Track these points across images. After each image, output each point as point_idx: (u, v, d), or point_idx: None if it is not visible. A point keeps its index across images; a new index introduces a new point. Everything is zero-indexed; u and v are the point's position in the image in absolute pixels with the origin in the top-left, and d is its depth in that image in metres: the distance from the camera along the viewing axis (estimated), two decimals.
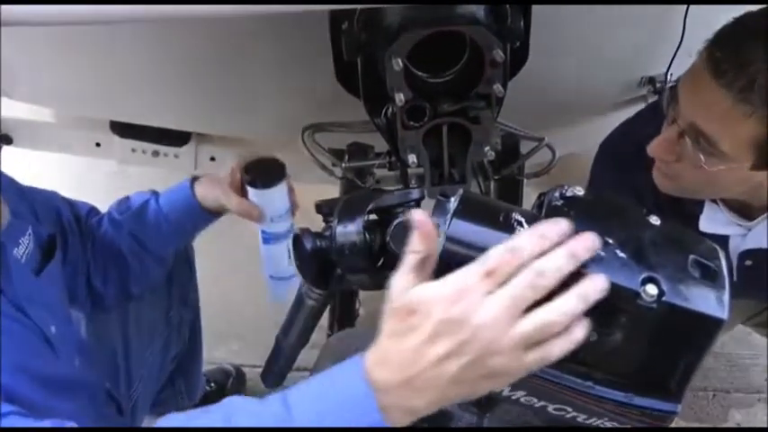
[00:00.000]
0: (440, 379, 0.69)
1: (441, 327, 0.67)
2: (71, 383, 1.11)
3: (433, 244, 0.71)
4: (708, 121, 1.04)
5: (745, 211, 1.22)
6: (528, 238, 0.68)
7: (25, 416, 0.89)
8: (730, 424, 1.91)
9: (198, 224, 1.35)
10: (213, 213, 1.32)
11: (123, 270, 1.33)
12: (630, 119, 1.36)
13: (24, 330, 1.05)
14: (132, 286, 1.36)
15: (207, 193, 1.29)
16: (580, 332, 0.67)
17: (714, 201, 1.23)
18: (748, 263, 1.27)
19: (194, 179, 1.31)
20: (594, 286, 0.67)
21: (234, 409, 0.76)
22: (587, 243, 0.67)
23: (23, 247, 1.10)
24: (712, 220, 1.24)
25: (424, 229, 0.70)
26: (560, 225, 0.68)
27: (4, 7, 0.72)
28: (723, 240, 1.26)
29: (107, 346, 1.39)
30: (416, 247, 0.71)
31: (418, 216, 0.71)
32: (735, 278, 1.29)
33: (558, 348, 0.67)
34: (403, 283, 0.70)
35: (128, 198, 1.35)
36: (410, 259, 0.71)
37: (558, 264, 0.66)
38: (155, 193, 1.33)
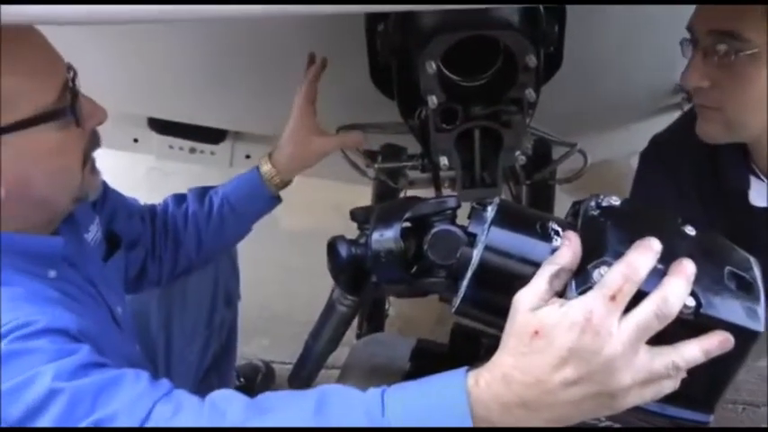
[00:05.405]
0: (559, 402, 0.69)
1: (570, 354, 0.67)
2: (134, 364, 1.13)
3: (575, 259, 0.71)
4: (724, 17, 1.02)
5: None
6: (639, 253, 0.68)
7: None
8: None
9: (261, 210, 1.37)
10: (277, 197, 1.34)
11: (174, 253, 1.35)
12: (681, 117, 1.34)
13: (96, 304, 1.07)
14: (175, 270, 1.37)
15: (283, 160, 1.30)
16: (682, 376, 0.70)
17: (758, 176, 1.20)
18: None
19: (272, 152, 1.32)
20: (721, 344, 0.68)
21: (329, 394, 0.77)
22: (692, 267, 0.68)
23: (92, 234, 1.13)
24: (762, 194, 1.22)
25: (572, 243, 0.71)
26: (655, 241, 0.69)
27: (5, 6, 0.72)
28: None
29: (149, 344, 1.41)
30: (558, 259, 0.71)
31: (570, 232, 0.73)
32: None
33: (670, 388, 0.70)
34: (531, 297, 0.70)
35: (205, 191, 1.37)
36: (546, 270, 0.71)
37: (680, 291, 0.67)
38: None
